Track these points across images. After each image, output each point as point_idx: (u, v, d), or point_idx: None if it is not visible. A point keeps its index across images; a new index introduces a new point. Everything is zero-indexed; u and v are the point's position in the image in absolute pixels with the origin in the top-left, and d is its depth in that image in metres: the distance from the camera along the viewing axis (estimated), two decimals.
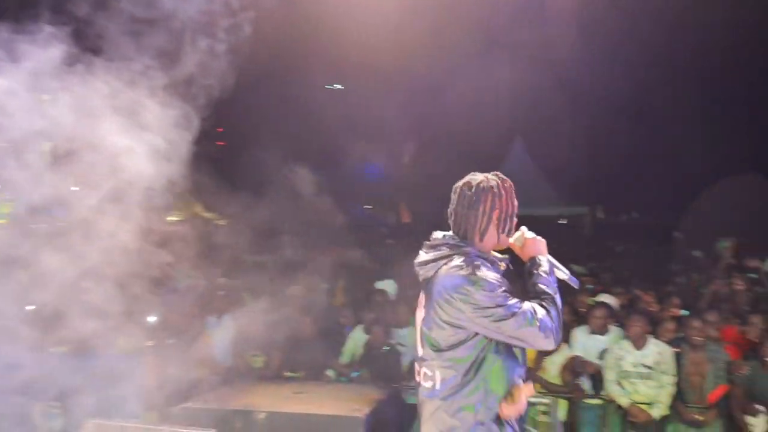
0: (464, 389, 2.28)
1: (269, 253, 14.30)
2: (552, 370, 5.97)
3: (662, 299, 7.19)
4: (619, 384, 5.71)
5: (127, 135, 3.65)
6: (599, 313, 6.08)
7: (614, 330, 6.07)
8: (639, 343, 5.68)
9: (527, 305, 2.29)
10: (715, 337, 5.80)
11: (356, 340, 6.45)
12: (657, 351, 5.64)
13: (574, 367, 5.93)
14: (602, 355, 5.91)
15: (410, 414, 5.64)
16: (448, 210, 2.50)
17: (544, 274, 2.45)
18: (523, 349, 2.42)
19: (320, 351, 6.21)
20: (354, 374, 6.13)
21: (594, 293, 7.57)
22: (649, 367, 5.62)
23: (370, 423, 4.35)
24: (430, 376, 2.34)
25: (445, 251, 2.37)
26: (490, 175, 2.51)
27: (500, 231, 2.49)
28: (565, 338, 6.08)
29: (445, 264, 2.35)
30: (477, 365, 2.28)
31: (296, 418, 4.38)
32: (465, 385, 2.28)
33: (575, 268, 10.55)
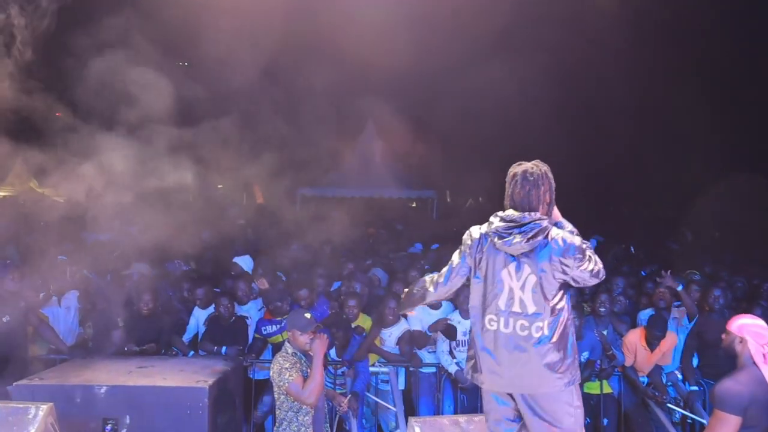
0: (563, 328, 2.90)
1: (115, 231, 13.78)
2: (389, 342, 6.37)
3: None
4: (451, 353, 6.23)
5: None
6: None
7: (447, 304, 6.57)
8: (467, 315, 6.22)
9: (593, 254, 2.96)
10: None
11: (198, 316, 6.52)
12: None
13: (411, 339, 6.37)
14: (435, 327, 6.38)
15: (254, 388, 5.85)
16: (508, 194, 3.01)
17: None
18: None
19: (164, 327, 6.21)
20: (191, 354, 6.18)
21: (431, 271, 8.11)
22: None
23: (213, 393, 4.46)
24: (540, 327, 2.87)
25: (539, 227, 2.87)
26: (537, 163, 3.02)
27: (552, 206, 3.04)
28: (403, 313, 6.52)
29: (546, 236, 2.88)
30: (565, 307, 2.92)
31: (138, 390, 4.39)
32: (562, 324, 2.89)
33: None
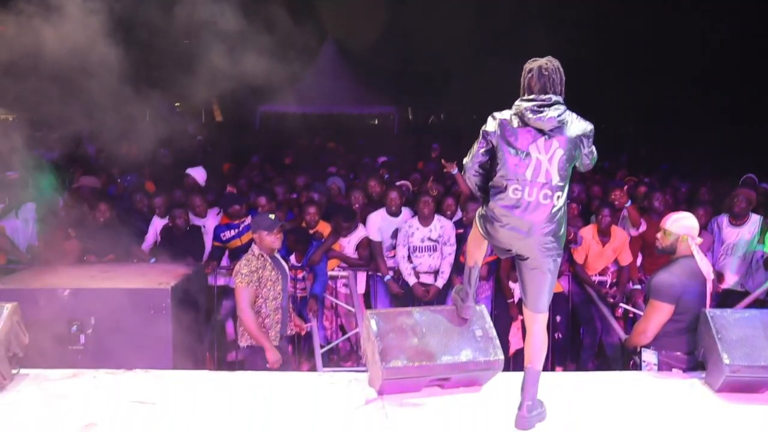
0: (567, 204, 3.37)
1: (63, 147, 13.56)
2: (348, 248, 6.55)
3: (448, 186, 8.05)
4: (409, 258, 6.45)
5: None
6: (394, 194, 6.68)
7: (406, 211, 6.74)
8: (426, 222, 6.41)
9: None
10: None
11: (157, 226, 6.59)
12: (440, 226, 6.42)
13: (370, 246, 6.55)
14: (395, 233, 6.58)
15: (212, 293, 6.03)
16: (524, 87, 3.26)
17: None
18: None
19: (122, 237, 6.26)
20: (152, 260, 6.26)
21: (392, 180, 8.26)
22: (434, 240, 6.40)
23: (176, 294, 4.59)
24: (560, 197, 3.26)
25: (562, 108, 3.22)
26: (550, 58, 3.29)
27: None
28: (363, 220, 6.68)
29: (569, 115, 3.25)
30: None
31: (102, 293, 4.50)
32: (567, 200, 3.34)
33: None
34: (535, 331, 3.45)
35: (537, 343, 3.44)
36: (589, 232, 6.36)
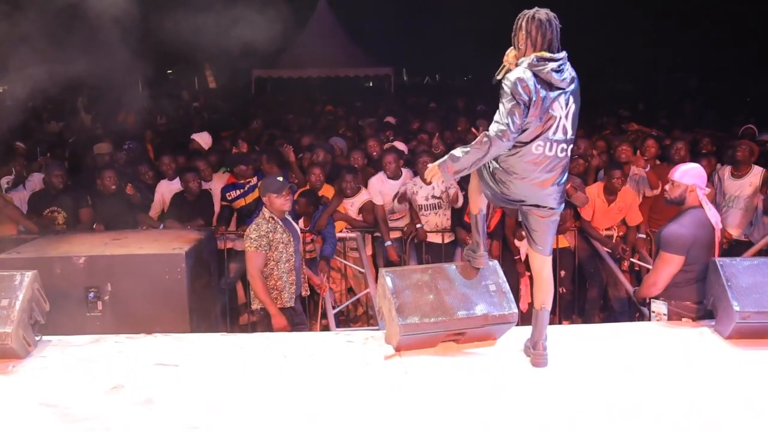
0: None
1: (65, 118, 13.50)
2: (351, 211, 6.59)
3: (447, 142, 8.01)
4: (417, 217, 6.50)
5: None
6: (390, 158, 6.69)
7: (406, 172, 6.76)
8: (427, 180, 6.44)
9: None
10: None
11: (162, 192, 6.60)
12: (441, 187, 6.44)
13: (374, 209, 6.58)
14: (399, 197, 6.59)
15: (222, 256, 6.08)
16: (553, 36, 3.27)
17: None
18: None
19: (130, 204, 6.29)
20: (161, 226, 6.28)
21: (387, 141, 8.27)
22: (438, 197, 6.44)
23: (190, 259, 4.64)
24: (571, 149, 3.41)
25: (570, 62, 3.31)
26: (548, 10, 3.33)
27: None
28: (364, 183, 6.70)
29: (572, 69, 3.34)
30: None
31: (117, 259, 4.54)
32: None
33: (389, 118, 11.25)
34: (547, 273, 3.61)
35: (550, 284, 3.62)
36: (594, 190, 6.38)
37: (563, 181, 3.42)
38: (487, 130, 3.19)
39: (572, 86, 3.32)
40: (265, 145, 8.70)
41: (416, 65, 30.48)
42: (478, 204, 3.71)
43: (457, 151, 3.26)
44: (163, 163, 6.72)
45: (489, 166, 3.41)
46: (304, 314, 5.24)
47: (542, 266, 3.61)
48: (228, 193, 6.49)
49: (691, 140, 7.56)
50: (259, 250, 4.63)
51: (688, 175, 4.27)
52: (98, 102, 17.16)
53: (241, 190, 6.49)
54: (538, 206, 3.43)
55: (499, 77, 3.37)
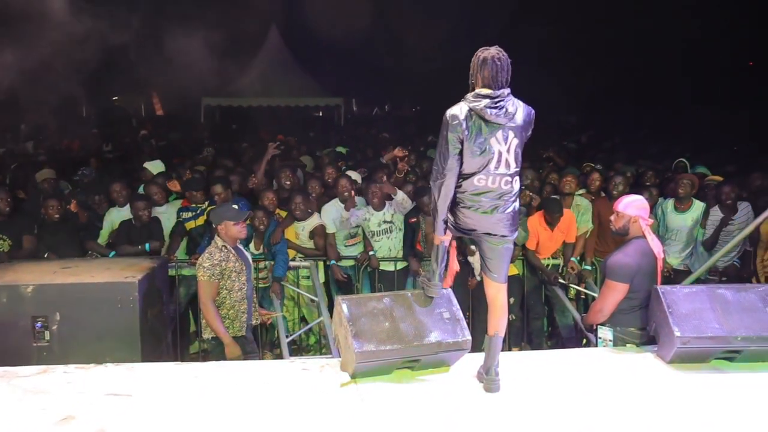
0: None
1: (12, 142, 13.15)
2: (303, 235, 6.62)
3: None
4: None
5: None
6: (344, 182, 6.76)
7: (358, 199, 6.85)
8: (378, 206, 6.55)
9: None
10: None
11: (112, 219, 6.52)
12: (392, 212, 6.57)
13: (324, 235, 6.63)
14: (346, 223, 6.66)
15: (174, 283, 6.04)
16: (497, 74, 3.40)
17: None
18: None
19: (77, 231, 6.18)
20: (111, 254, 6.19)
21: (343, 169, 8.35)
22: (390, 222, 6.54)
23: (142, 287, 4.58)
24: (517, 182, 3.55)
25: (512, 98, 3.48)
26: (500, 49, 3.47)
27: None
28: (318, 209, 6.75)
29: (517, 103, 3.50)
30: None
31: (67, 288, 4.45)
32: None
33: (340, 149, 11.36)
34: (501, 300, 3.74)
35: (504, 311, 3.76)
36: (535, 220, 6.55)
37: (510, 209, 3.55)
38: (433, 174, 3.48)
39: (513, 122, 3.46)
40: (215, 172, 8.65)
41: (365, 95, 30.78)
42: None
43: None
44: (114, 191, 6.63)
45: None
46: (255, 343, 5.22)
47: (497, 293, 3.73)
48: (181, 214, 6.59)
49: (633, 173, 7.85)
50: (212, 279, 4.62)
51: (632, 206, 4.46)
52: (40, 128, 16.82)
53: (194, 213, 6.58)
54: (489, 234, 3.57)
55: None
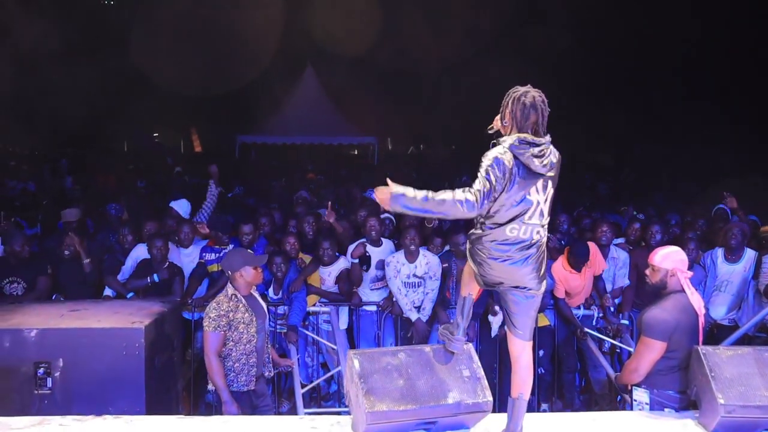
0: None
1: (35, 179, 13.34)
2: (329, 281, 6.38)
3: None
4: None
5: None
6: (372, 222, 6.54)
7: (387, 242, 6.61)
8: (412, 257, 6.22)
9: None
10: None
11: (135, 258, 6.34)
12: (426, 262, 6.23)
13: (349, 277, 6.37)
14: (379, 264, 6.40)
15: (187, 327, 5.82)
16: (539, 119, 3.19)
17: None
18: None
19: (93, 269, 6.04)
20: (130, 295, 6.06)
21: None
22: (420, 277, 6.22)
23: (149, 334, 4.39)
24: (546, 229, 3.30)
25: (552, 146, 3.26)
26: (538, 90, 3.25)
27: None
28: (343, 251, 6.53)
29: (555, 152, 3.28)
30: None
31: (71, 333, 4.27)
32: None
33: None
34: (526, 360, 3.45)
35: (529, 372, 3.47)
36: (558, 266, 6.21)
37: (540, 260, 3.31)
38: (465, 192, 3.06)
39: (552, 171, 3.25)
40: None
41: (401, 134, 30.83)
42: (469, 287, 3.56)
43: (423, 193, 3.03)
44: (146, 230, 6.51)
45: (477, 248, 3.29)
46: (269, 395, 4.96)
47: (521, 352, 3.44)
48: (204, 255, 6.36)
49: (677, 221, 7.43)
50: (218, 331, 4.40)
51: (669, 259, 4.14)
52: (80, 164, 17.12)
53: (217, 255, 6.34)
54: (517, 287, 3.31)
55: (491, 132, 3.33)
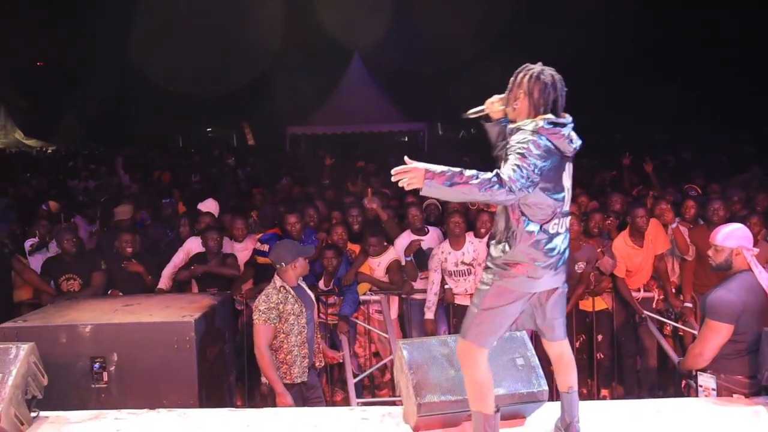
0: None
1: (94, 178, 13.68)
2: (378, 271, 6.30)
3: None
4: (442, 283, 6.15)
5: None
6: (414, 211, 6.46)
7: (433, 230, 6.50)
8: (458, 244, 6.10)
9: None
10: None
11: (188, 250, 6.38)
12: (473, 249, 6.10)
13: (401, 268, 6.28)
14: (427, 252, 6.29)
15: (243, 317, 5.83)
16: (544, 99, 2.82)
17: None
18: None
19: (149, 265, 6.12)
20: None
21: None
22: (468, 264, 6.10)
23: (200, 327, 4.40)
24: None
25: None
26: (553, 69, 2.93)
27: None
28: (390, 241, 6.44)
29: None
30: None
31: (124, 328, 4.32)
32: None
33: None
34: (568, 356, 3.23)
35: (572, 365, 3.24)
36: (621, 241, 5.98)
37: (568, 253, 3.01)
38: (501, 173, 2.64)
39: (574, 151, 2.91)
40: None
41: (451, 119, 30.54)
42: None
43: (455, 171, 2.59)
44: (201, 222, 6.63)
45: (513, 261, 2.88)
46: (320, 386, 4.93)
47: (561, 351, 3.20)
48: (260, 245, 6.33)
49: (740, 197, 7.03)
50: (268, 323, 4.37)
51: (732, 237, 3.90)
52: (136, 161, 17.51)
53: (269, 247, 6.29)
54: (552, 289, 3.00)
55: (472, 117, 3.07)
